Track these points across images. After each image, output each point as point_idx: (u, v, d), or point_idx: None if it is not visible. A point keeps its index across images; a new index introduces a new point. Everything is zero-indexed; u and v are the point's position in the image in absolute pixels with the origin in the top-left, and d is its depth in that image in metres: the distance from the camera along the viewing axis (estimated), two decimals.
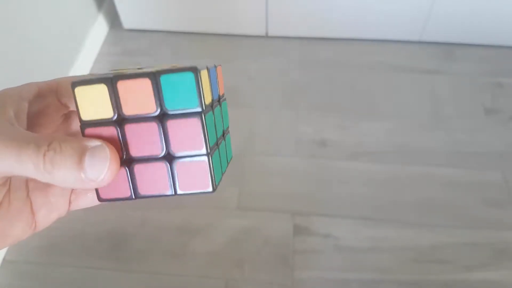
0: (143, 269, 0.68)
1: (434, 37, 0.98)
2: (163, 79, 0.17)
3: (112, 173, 0.17)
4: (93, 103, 0.17)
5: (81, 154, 0.16)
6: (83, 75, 0.20)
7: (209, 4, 0.97)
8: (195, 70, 0.17)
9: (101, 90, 0.17)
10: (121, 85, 0.17)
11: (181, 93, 0.17)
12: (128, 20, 1.03)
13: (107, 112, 0.17)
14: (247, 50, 1.01)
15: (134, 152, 0.18)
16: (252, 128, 0.85)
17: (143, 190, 0.19)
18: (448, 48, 0.98)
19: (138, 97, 0.17)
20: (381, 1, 0.92)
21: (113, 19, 1.08)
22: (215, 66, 0.20)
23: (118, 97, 0.17)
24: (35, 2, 0.78)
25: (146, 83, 0.17)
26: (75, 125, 0.22)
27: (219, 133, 0.20)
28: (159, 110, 0.17)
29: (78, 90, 0.17)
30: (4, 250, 0.70)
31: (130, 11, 1.01)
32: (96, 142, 0.17)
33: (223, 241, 0.71)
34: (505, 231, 0.72)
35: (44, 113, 0.21)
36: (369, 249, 0.70)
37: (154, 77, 0.17)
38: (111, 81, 0.17)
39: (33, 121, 0.20)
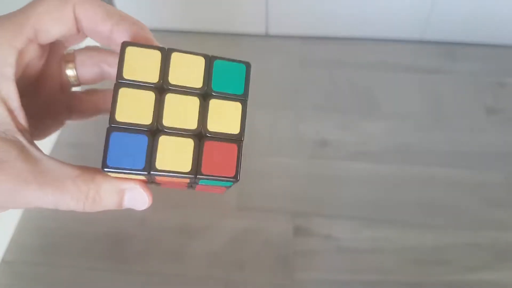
0: (142, 269, 0.68)
1: (436, 36, 0.98)
2: (217, 63, 0.17)
3: (149, 205, 0.18)
4: (139, 65, 0.17)
5: (120, 199, 0.17)
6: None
7: (208, 3, 0.97)
8: (248, 64, 0.18)
9: (153, 55, 0.17)
10: (175, 57, 0.17)
11: (230, 79, 0.17)
12: None
13: (152, 77, 0.17)
14: (246, 49, 1.00)
15: (164, 185, 0.19)
16: (252, 128, 0.84)
17: (163, 186, 0.19)
18: (450, 47, 0.98)
19: (187, 71, 0.17)
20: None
21: None
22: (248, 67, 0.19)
23: (168, 66, 0.17)
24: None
25: (200, 61, 0.17)
26: (54, 58, 0.20)
27: None
28: (205, 88, 0.17)
29: (129, 50, 0.17)
30: (2, 251, 0.69)
31: (128, 10, 1.00)
32: (131, 184, 0.17)
33: (222, 242, 0.70)
34: (507, 231, 0.72)
35: (27, 73, 0.18)
36: (370, 250, 0.70)
37: (209, 58, 0.17)
38: (166, 50, 0.17)
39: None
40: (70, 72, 0.20)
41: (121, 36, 0.17)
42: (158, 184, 0.19)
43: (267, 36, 1.02)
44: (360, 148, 0.82)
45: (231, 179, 0.17)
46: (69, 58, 0.20)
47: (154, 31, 0.90)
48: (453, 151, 0.81)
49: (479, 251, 0.70)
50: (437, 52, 0.98)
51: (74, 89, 0.22)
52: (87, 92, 0.23)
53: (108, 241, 0.71)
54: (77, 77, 0.21)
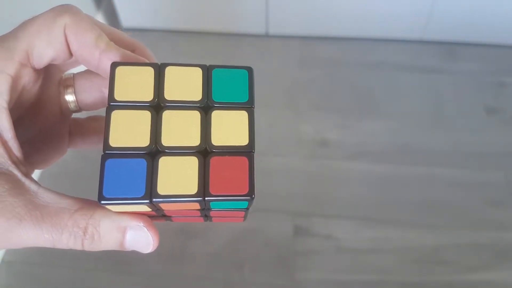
0: (142, 270, 0.68)
1: (436, 36, 0.98)
2: (216, 72, 0.16)
3: (154, 248, 0.16)
4: (131, 85, 0.15)
5: (122, 237, 0.15)
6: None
7: (208, 3, 0.97)
8: (250, 69, 0.16)
9: (145, 72, 0.15)
10: (170, 71, 0.16)
11: (232, 88, 0.16)
12: (127, 18, 1.02)
13: (146, 95, 0.15)
14: (247, 49, 1.00)
15: (176, 218, 0.18)
16: None
17: (176, 220, 0.18)
18: (450, 47, 0.98)
19: (184, 84, 0.15)
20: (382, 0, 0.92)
21: (112, 18, 1.07)
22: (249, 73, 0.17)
23: (163, 81, 0.15)
24: (31, 0, 0.77)
25: (197, 72, 0.16)
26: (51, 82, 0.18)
27: None
28: (205, 100, 0.15)
29: (119, 70, 0.15)
30: (2, 251, 0.69)
31: (129, 10, 1.00)
32: (134, 222, 0.15)
33: (222, 242, 0.70)
34: (507, 231, 0.72)
35: (22, 99, 0.17)
36: (370, 250, 0.69)
37: (206, 68, 0.16)
38: (158, 65, 0.15)
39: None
40: (69, 98, 0.19)
41: (108, 64, 0.16)
42: (168, 217, 0.18)
43: (267, 36, 1.02)
44: (360, 148, 0.82)
45: (245, 197, 0.14)
46: (68, 83, 0.19)
47: (154, 31, 0.90)
48: (453, 151, 0.81)
49: (479, 251, 0.70)
50: (437, 52, 0.98)
51: (75, 115, 0.21)
52: (90, 119, 0.21)
53: None
54: (77, 102, 0.19)
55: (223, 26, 1.01)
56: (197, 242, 0.70)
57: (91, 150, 0.21)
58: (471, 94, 0.90)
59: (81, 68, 0.19)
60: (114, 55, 0.16)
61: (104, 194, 0.14)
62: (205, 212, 0.16)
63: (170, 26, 1.03)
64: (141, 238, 0.15)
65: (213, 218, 0.18)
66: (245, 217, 0.17)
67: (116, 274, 0.67)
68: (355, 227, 0.72)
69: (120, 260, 0.69)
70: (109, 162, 0.14)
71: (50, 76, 0.18)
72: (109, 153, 0.14)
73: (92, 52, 0.16)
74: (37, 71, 0.17)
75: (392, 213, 0.73)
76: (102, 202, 0.14)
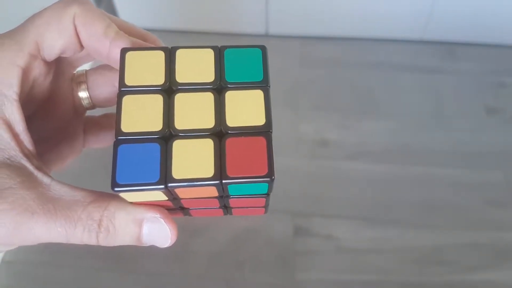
0: (142, 269, 0.68)
1: (436, 36, 0.98)
2: (228, 52, 0.16)
3: (173, 242, 0.16)
4: (142, 69, 0.15)
5: (139, 231, 0.15)
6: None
7: (208, 3, 0.97)
8: (263, 47, 0.16)
9: (156, 56, 0.15)
10: (181, 53, 0.15)
11: (245, 67, 0.16)
12: (127, 18, 1.02)
13: (157, 79, 0.15)
14: None
15: (194, 212, 0.17)
16: None
17: (194, 213, 0.18)
18: (450, 47, 0.98)
19: (196, 67, 0.15)
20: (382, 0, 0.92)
21: None
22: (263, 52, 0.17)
23: (174, 64, 0.15)
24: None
25: (208, 54, 0.15)
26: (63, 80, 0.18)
27: None
28: (218, 81, 0.15)
29: (129, 56, 0.15)
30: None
31: (129, 10, 1.00)
32: (151, 213, 0.15)
33: (223, 242, 0.70)
34: (507, 231, 0.72)
35: (34, 93, 0.17)
36: (370, 250, 0.70)
37: (218, 49, 0.16)
38: (169, 49, 0.15)
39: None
40: (82, 94, 0.19)
41: (119, 53, 0.16)
42: (187, 210, 0.17)
43: (267, 36, 1.02)
44: (360, 148, 0.82)
45: (264, 179, 0.14)
46: (81, 79, 0.19)
47: (154, 31, 0.90)
48: (453, 151, 0.81)
49: (479, 251, 0.70)
50: (437, 52, 0.98)
51: (90, 113, 0.20)
52: (104, 116, 0.21)
53: None
54: (90, 99, 0.19)
55: (223, 26, 1.01)
56: (198, 241, 0.70)
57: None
58: (471, 94, 0.90)
59: (93, 64, 0.19)
60: (124, 44, 0.16)
61: (117, 180, 0.14)
62: (223, 201, 0.16)
63: (170, 26, 1.03)
64: (158, 231, 0.15)
65: (233, 210, 0.17)
66: (266, 207, 0.17)
67: (117, 273, 0.67)
68: (355, 227, 0.72)
69: (121, 259, 0.69)
70: (121, 148, 0.14)
71: (62, 73, 0.18)
72: (121, 139, 0.14)
73: (102, 42, 0.16)
74: (48, 64, 0.16)
75: (392, 213, 0.73)
76: (116, 189, 0.14)
